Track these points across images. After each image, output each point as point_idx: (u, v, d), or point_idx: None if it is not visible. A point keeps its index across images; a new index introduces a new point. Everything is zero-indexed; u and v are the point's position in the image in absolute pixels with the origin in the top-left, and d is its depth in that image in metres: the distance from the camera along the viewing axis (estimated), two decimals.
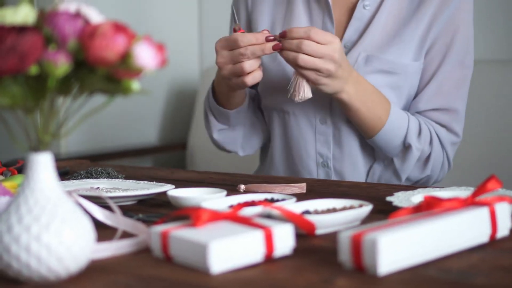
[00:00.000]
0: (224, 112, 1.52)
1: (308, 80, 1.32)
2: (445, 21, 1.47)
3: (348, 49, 1.49)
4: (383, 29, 1.48)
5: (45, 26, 0.74)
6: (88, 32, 0.74)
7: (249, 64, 1.32)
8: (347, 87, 1.36)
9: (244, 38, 1.31)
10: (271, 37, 1.31)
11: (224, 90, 1.47)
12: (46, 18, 0.75)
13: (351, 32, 1.50)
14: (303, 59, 1.29)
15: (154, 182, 1.28)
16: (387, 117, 1.43)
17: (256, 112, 1.63)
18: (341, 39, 1.50)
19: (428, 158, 1.48)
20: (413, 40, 1.47)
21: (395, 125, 1.43)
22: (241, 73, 1.33)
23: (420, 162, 1.48)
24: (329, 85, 1.33)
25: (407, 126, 1.45)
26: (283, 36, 1.31)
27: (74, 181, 1.30)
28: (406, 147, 1.46)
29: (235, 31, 1.34)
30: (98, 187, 1.27)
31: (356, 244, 0.78)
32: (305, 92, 1.34)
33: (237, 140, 1.61)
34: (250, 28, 1.61)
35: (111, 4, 2.65)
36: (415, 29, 1.47)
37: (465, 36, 1.49)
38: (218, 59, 1.34)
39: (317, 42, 1.29)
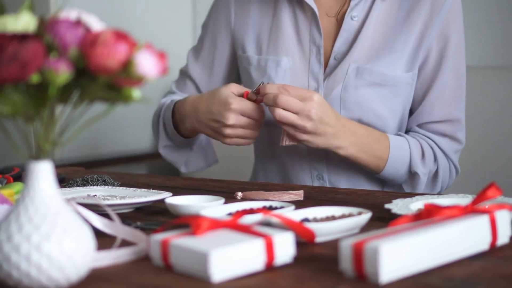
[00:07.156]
0: (178, 136, 1.53)
1: (288, 135, 1.35)
2: (437, 30, 1.46)
3: (338, 61, 1.47)
4: (372, 39, 1.46)
5: (46, 34, 0.74)
6: (89, 40, 0.74)
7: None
8: (341, 142, 1.36)
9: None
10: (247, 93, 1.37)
11: (190, 126, 1.47)
12: (47, 26, 0.74)
13: (340, 43, 1.48)
14: (279, 113, 1.30)
15: (151, 190, 1.27)
16: (388, 153, 1.43)
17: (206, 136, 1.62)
18: (330, 51, 1.49)
19: (436, 174, 1.48)
20: (405, 50, 1.46)
21: (398, 158, 1.43)
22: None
23: (429, 181, 1.48)
24: (311, 142, 1.34)
25: (409, 154, 1.44)
26: (258, 92, 1.35)
27: (70, 188, 1.29)
28: (412, 174, 1.46)
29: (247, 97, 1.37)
30: (95, 195, 1.26)
31: (358, 252, 0.78)
32: (288, 140, 1.36)
33: (181, 159, 1.61)
34: (233, 45, 1.60)
35: (104, 12, 2.64)
36: (405, 39, 1.46)
37: (458, 44, 1.48)
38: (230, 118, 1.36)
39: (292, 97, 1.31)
